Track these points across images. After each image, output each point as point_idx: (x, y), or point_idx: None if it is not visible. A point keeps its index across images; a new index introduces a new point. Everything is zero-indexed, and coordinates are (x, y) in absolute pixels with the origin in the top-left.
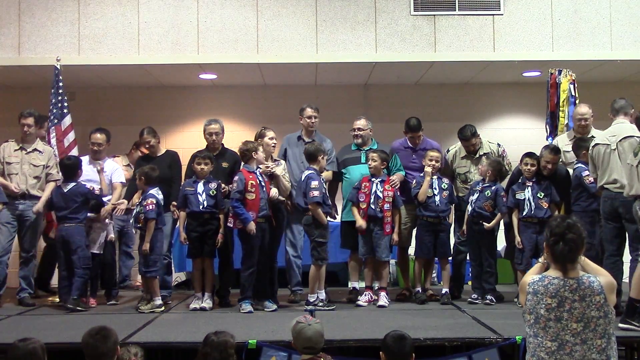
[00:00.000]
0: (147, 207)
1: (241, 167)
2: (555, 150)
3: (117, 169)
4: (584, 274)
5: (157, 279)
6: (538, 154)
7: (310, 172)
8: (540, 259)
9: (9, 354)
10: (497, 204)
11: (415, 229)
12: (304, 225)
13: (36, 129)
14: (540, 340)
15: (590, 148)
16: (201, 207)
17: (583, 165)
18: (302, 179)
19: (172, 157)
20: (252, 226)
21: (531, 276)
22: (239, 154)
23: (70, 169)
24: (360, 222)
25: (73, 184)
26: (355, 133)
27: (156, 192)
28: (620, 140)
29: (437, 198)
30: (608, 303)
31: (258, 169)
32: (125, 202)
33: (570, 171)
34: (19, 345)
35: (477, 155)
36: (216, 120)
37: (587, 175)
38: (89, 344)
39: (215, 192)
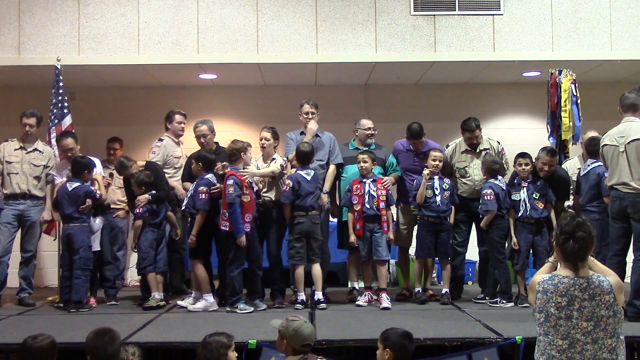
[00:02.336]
0: (136, 209)
1: (228, 168)
2: (552, 152)
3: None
4: (594, 273)
5: (154, 275)
6: (537, 153)
7: (313, 172)
8: (550, 259)
9: (19, 351)
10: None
11: (416, 228)
12: (313, 224)
13: (37, 130)
14: (551, 339)
15: (601, 147)
16: (183, 206)
17: None
18: (309, 179)
19: (153, 170)
20: (243, 239)
21: (541, 275)
22: (227, 153)
23: (82, 167)
24: (352, 239)
25: (77, 183)
26: (371, 132)
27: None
28: (628, 143)
29: (438, 198)
30: (617, 303)
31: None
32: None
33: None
34: (29, 343)
35: (477, 150)
36: (203, 122)
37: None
38: (96, 347)
39: (193, 192)
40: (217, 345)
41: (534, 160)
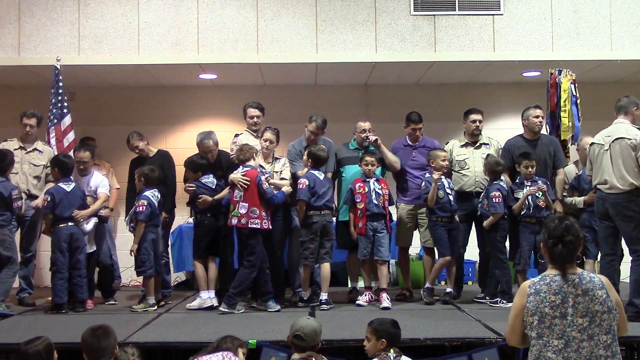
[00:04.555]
0: (138, 208)
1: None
2: (538, 106)
3: (102, 181)
4: (583, 271)
5: (152, 278)
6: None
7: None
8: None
9: (16, 356)
10: (488, 204)
11: (422, 229)
12: (327, 223)
13: (38, 130)
14: (546, 340)
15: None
16: None
17: None
18: (322, 179)
19: (163, 157)
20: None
21: (531, 279)
22: (237, 159)
23: (69, 166)
24: (353, 233)
25: (73, 184)
26: (367, 135)
27: (151, 194)
28: (613, 141)
29: (450, 197)
30: (611, 299)
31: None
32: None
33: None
34: (23, 348)
35: (477, 144)
36: (209, 136)
37: None
38: (88, 341)
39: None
40: (233, 341)
41: (522, 121)
